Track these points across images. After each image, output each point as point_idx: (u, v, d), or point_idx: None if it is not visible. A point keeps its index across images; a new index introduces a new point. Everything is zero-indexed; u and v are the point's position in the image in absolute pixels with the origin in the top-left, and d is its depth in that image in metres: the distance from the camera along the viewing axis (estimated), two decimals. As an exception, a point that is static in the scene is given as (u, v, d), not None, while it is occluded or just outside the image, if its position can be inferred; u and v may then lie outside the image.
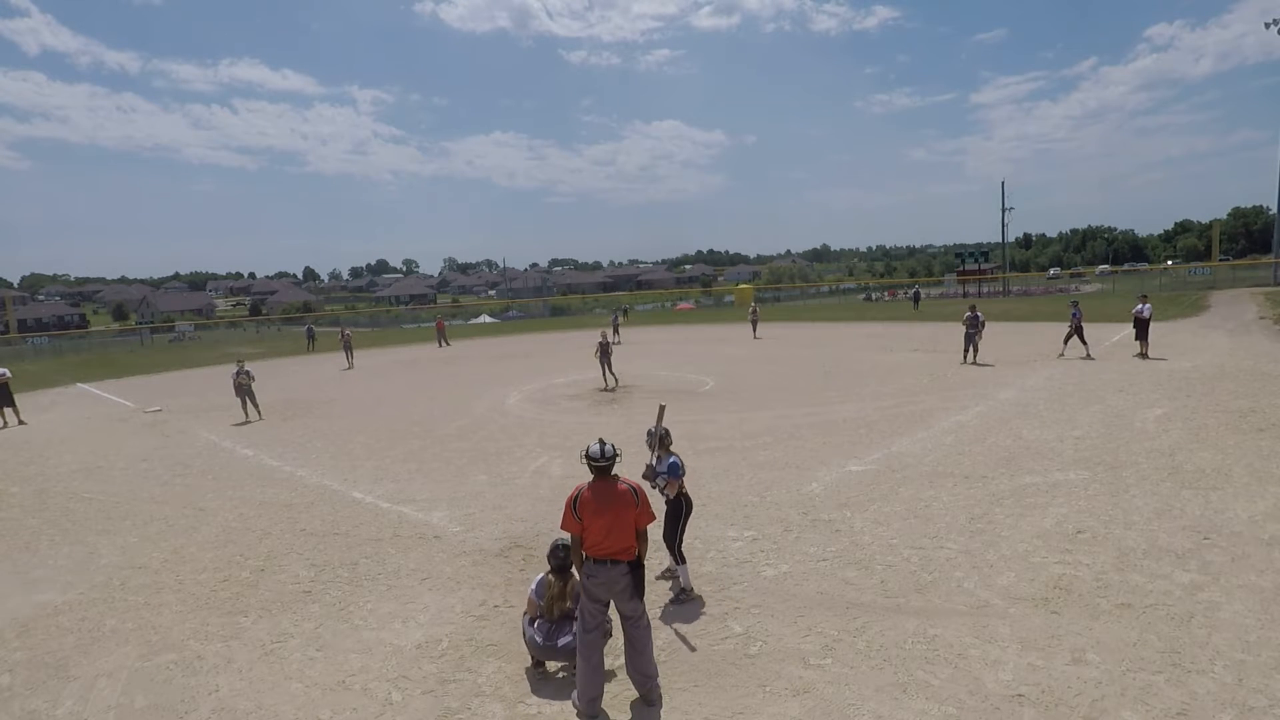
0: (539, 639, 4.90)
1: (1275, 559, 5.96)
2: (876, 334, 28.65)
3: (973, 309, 18.46)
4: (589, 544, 4.50)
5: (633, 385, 18.12)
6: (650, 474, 5.86)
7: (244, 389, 16.08)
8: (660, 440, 5.88)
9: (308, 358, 33.52)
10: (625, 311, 51.16)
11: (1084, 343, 18.09)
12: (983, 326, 18.23)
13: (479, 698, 4.73)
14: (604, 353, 18.08)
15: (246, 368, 16.46)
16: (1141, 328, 17.31)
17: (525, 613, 5.11)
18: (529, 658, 5.06)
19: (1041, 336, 22.31)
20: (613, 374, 18.13)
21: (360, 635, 5.67)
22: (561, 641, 4.86)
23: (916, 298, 45.60)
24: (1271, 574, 5.70)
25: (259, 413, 16.20)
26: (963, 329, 18.33)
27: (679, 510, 5.97)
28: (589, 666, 4.48)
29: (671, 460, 5.89)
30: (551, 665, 5.06)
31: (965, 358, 18.20)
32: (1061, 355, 18.22)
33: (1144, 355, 17.14)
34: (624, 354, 25.79)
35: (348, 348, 28.22)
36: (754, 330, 30.76)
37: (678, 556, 5.98)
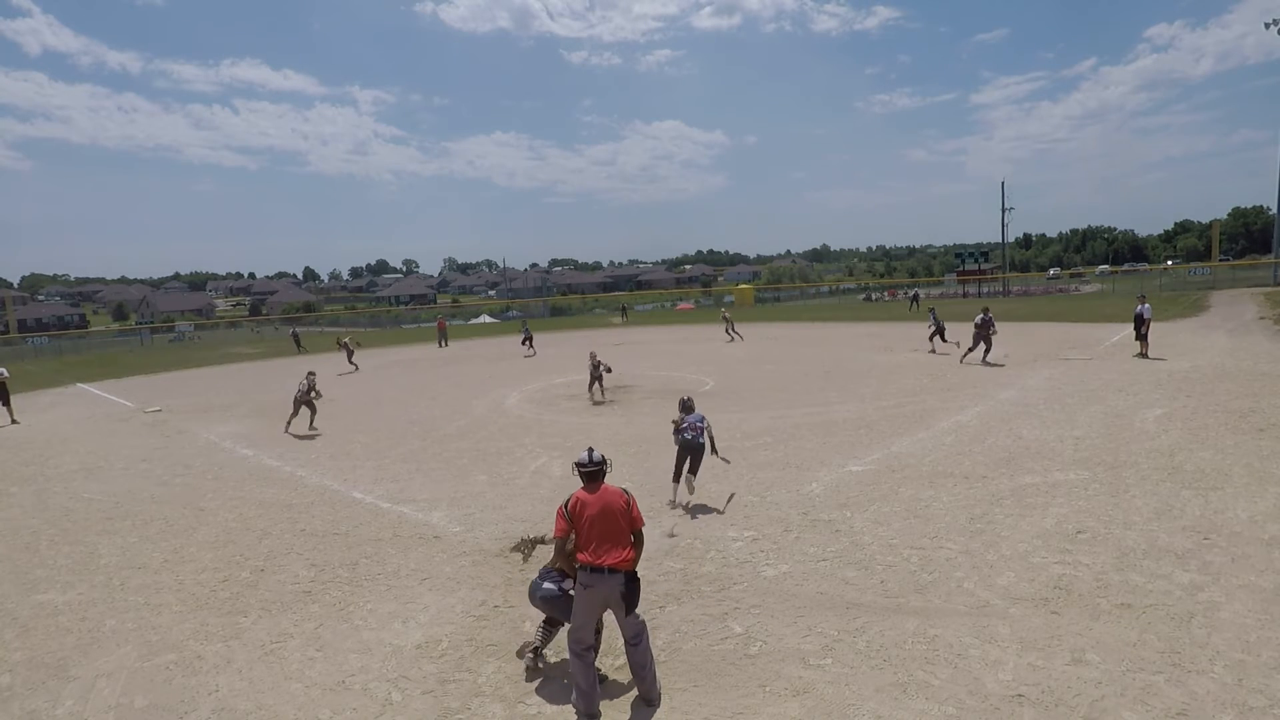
0: (533, 580, 5.11)
1: (1275, 559, 5.97)
2: (877, 334, 28.65)
3: (986, 311, 18.52)
4: (584, 549, 4.50)
5: (632, 385, 18.13)
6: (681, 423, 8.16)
7: (307, 403, 14.42)
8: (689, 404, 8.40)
9: (297, 360, 32.98)
10: (625, 311, 51.11)
11: (944, 340, 21.24)
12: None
13: (479, 698, 4.73)
14: (595, 375, 16.48)
15: (316, 384, 14.73)
16: (1142, 328, 17.31)
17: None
18: (521, 660, 5.09)
19: (1043, 337, 22.31)
20: (600, 390, 16.60)
21: (360, 635, 5.67)
22: (539, 593, 4.98)
23: (915, 299, 45.43)
24: (1271, 574, 5.71)
25: (296, 425, 14.46)
26: (976, 329, 18.16)
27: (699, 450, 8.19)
28: (584, 666, 4.48)
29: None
30: (545, 670, 5.07)
31: (971, 355, 18.20)
32: (932, 352, 20.73)
33: (1144, 355, 17.14)
34: (625, 354, 25.81)
35: (349, 353, 27.41)
36: (726, 331, 29.54)
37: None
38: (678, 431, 8.20)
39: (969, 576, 6.01)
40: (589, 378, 16.59)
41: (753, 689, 4.63)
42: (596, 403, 16.08)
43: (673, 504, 8.35)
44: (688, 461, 8.21)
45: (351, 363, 26.89)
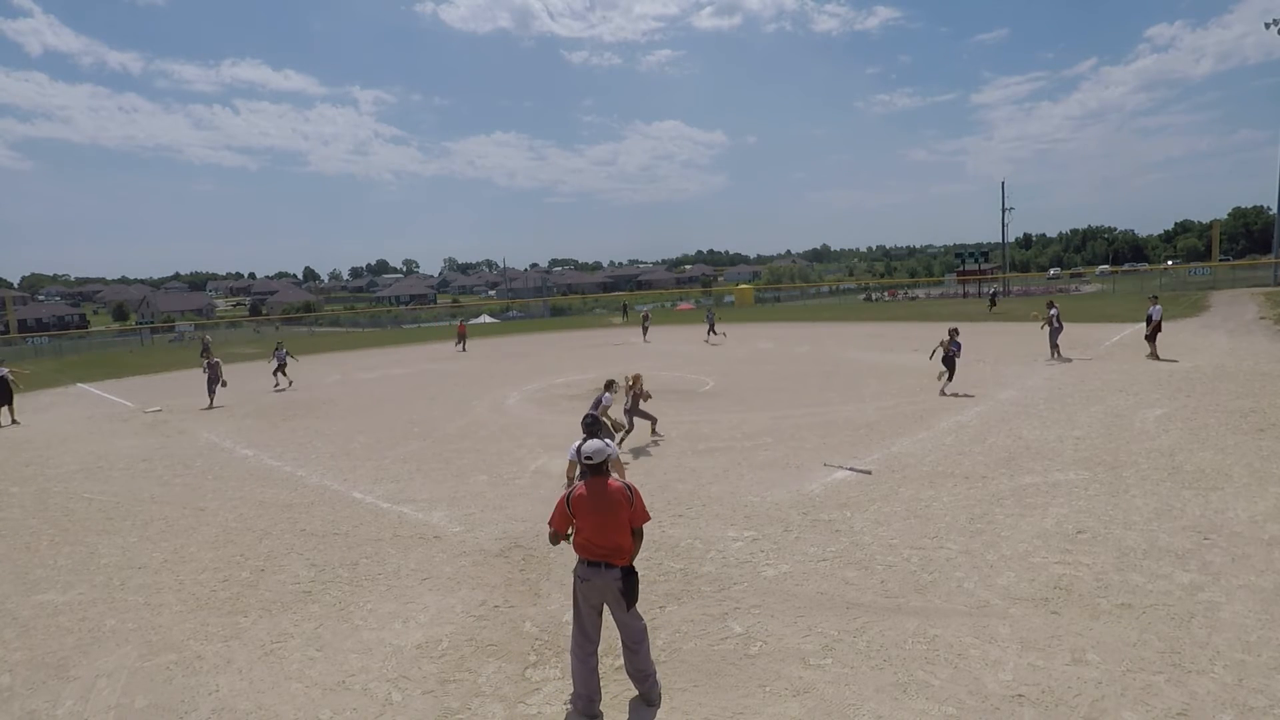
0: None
1: (1275, 559, 5.96)
2: (877, 334, 28.64)
3: (1051, 304, 18.51)
4: (581, 543, 4.49)
5: (633, 385, 18.10)
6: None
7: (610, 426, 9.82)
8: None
9: (195, 372, 24.73)
10: (626, 310, 51.13)
11: (713, 334, 28.34)
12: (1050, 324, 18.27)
13: (479, 698, 4.73)
14: (635, 403, 11.31)
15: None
16: (1153, 330, 17.17)
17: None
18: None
19: (1044, 336, 22.26)
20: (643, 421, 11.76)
21: (360, 635, 5.66)
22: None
23: (994, 298, 40.24)
24: (1271, 574, 5.70)
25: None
26: (1047, 328, 18.19)
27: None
28: (585, 668, 4.47)
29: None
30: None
31: (1053, 354, 18.05)
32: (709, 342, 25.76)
33: (1155, 356, 16.98)
34: (624, 354, 25.81)
35: (281, 367, 21.59)
36: (644, 335, 32.33)
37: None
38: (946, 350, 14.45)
39: (969, 576, 6.01)
40: (629, 407, 11.17)
41: (753, 689, 4.62)
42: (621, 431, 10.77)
43: (942, 391, 14.34)
44: (947, 370, 14.42)
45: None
